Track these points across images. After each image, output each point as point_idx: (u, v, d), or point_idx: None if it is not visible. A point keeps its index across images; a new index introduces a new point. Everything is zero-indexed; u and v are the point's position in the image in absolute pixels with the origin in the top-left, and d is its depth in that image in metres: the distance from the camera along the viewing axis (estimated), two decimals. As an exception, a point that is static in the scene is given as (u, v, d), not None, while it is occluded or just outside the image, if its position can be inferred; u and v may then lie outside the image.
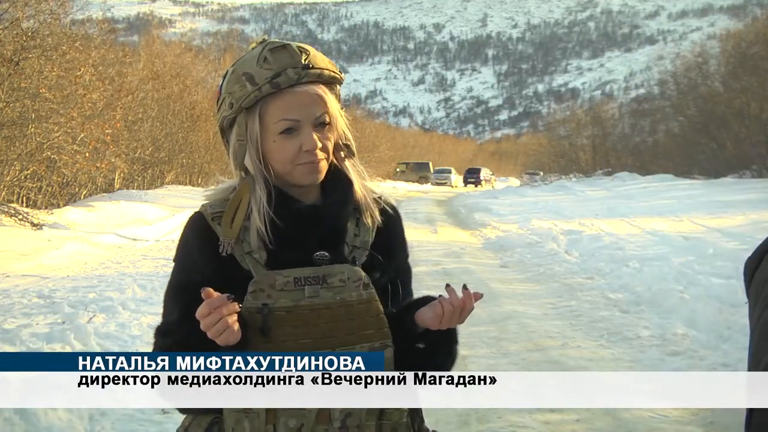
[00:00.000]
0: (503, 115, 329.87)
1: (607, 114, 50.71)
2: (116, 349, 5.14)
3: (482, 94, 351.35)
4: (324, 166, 1.50)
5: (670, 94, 39.28)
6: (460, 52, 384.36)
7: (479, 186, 51.52)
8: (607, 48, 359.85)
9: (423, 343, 1.52)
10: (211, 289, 1.30)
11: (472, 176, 55.36)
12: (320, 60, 1.49)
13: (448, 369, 1.56)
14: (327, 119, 1.48)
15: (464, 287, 1.47)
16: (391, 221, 1.61)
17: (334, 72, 1.50)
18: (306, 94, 1.46)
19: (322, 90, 1.48)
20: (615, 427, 4.11)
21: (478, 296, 1.49)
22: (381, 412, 1.46)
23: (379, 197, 1.61)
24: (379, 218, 1.57)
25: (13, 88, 12.64)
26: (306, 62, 1.46)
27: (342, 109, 1.54)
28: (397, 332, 1.51)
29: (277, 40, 1.51)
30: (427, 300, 1.54)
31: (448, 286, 1.48)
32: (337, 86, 1.53)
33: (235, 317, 1.32)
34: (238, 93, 1.46)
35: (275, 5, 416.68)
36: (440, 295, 1.50)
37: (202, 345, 1.35)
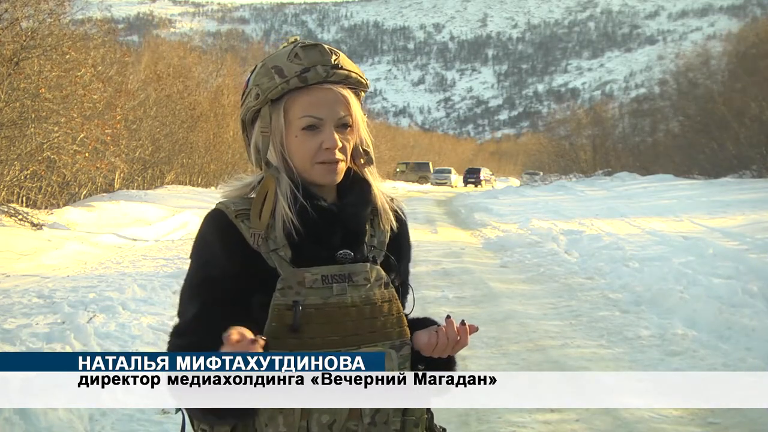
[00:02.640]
0: (503, 115, 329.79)
1: (607, 114, 50.75)
2: (116, 349, 5.14)
3: (482, 94, 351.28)
4: (342, 167, 1.51)
5: (670, 94, 39.31)
6: (460, 52, 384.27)
7: (479, 186, 51.48)
8: (607, 48, 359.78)
9: (423, 365, 1.54)
10: (235, 332, 1.28)
11: (472, 176, 55.31)
12: (349, 63, 1.52)
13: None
14: (349, 121, 1.50)
15: (462, 322, 1.50)
16: (401, 225, 1.63)
17: (360, 77, 1.53)
18: (332, 93, 1.48)
19: (347, 92, 1.50)
20: (615, 427, 4.11)
21: (474, 329, 1.51)
22: (405, 409, 1.50)
23: (392, 199, 1.63)
24: (395, 222, 1.59)
25: (13, 88, 12.64)
26: (335, 62, 1.49)
27: (365, 116, 1.56)
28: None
29: (309, 40, 1.53)
30: (427, 322, 1.57)
31: (448, 317, 1.50)
32: (362, 93, 1.55)
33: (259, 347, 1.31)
34: (266, 84, 1.49)
35: (275, 5, 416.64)
36: (438, 325, 1.53)
37: (217, 346, 1.35)
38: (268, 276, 1.44)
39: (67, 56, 13.80)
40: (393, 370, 1.44)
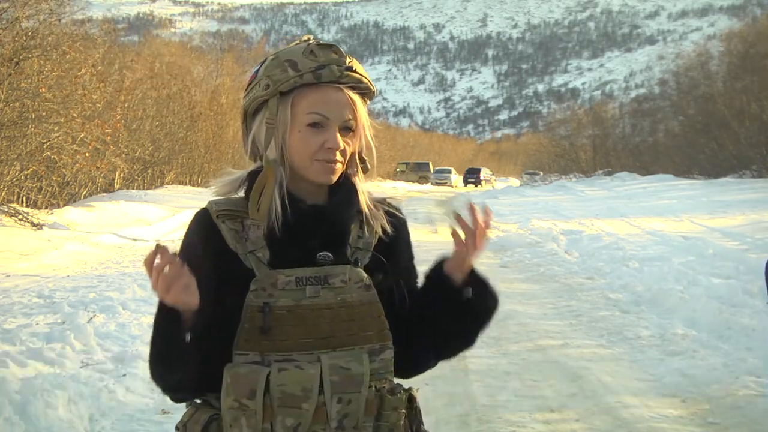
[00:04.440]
0: (503, 115, 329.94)
1: (607, 114, 50.79)
2: (116, 349, 5.14)
3: (482, 94, 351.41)
4: (339, 169, 1.51)
5: (670, 94, 39.32)
6: (460, 52, 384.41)
7: (479, 186, 51.49)
8: (607, 48, 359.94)
9: (470, 292, 1.60)
10: (164, 246, 1.32)
11: (472, 176, 55.32)
12: (360, 68, 1.53)
13: (495, 309, 1.67)
14: (353, 125, 1.50)
15: (469, 207, 1.54)
16: (397, 224, 1.61)
17: (370, 84, 1.54)
18: (341, 94, 1.49)
19: (356, 96, 1.51)
20: (615, 427, 4.11)
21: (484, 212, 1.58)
22: (378, 414, 1.46)
23: (384, 200, 1.62)
24: (386, 224, 1.57)
25: (13, 88, 12.64)
26: (349, 64, 1.50)
27: (369, 123, 1.56)
28: (441, 295, 1.57)
29: (324, 41, 1.54)
30: (439, 264, 1.62)
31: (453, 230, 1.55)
32: (368, 100, 1.56)
33: (184, 277, 1.34)
34: (278, 76, 1.48)
35: (275, 5, 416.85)
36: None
37: (197, 339, 1.37)
38: (246, 277, 1.43)
39: (67, 56, 13.81)
40: (365, 374, 1.42)
